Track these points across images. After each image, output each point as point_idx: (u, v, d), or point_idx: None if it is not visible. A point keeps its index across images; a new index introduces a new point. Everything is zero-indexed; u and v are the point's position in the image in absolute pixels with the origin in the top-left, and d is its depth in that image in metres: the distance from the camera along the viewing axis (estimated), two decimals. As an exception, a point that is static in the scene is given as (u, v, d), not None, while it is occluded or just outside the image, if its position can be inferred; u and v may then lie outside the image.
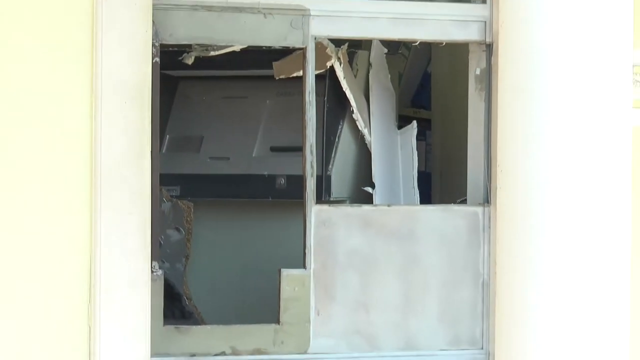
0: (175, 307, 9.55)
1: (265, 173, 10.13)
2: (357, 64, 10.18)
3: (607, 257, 8.15)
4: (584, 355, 8.18)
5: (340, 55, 9.82)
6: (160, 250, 9.16)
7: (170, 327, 9.04)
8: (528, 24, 8.16)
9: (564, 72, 8.08)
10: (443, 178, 10.30)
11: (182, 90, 9.79)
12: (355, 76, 10.12)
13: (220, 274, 10.18)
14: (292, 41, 9.25)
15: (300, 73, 9.36)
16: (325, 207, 9.39)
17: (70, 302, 8.62)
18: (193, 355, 9.08)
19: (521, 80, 8.20)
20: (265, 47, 9.47)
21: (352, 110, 9.98)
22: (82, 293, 8.63)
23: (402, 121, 10.28)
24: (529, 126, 8.15)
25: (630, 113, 8.30)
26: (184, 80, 9.72)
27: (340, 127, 10.17)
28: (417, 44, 9.86)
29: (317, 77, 9.43)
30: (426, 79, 10.61)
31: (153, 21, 8.82)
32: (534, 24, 8.12)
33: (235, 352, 9.16)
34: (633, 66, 8.68)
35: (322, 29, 9.26)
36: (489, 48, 9.37)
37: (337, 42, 9.78)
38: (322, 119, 9.92)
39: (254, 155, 10.26)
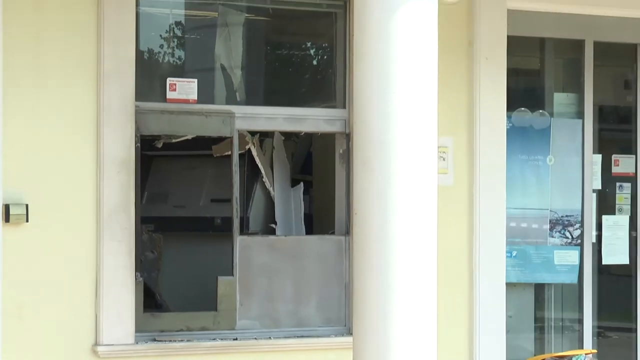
0: (151, 301, 9.38)
1: (208, 215, 10.12)
2: (265, 147, 10.05)
3: (418, 270, 7.93)
4: (407, 327, 7.85)
5: (254, 141, 9.83)
6: (141, 265, 9.08)
7: (148, 314, 9.09)
8: (368, 122, 7.85)
9: (392, 151, 7.86)
10: (320, 218, 10.24)
11: (155, 164, 9.70)
12: (264, 154, 10.03)
13: (180, 279, 10.05)
14: (224, 132, 9.33)
15: (229, 152, 9.39)
16: (245, 237, 9.47)
17: (84, 297, 8.77)
18: (162, 331, 9.08)
19: (365, 157, 7.89)
20: (207, 136, 9.51)
21: (262, 175, 9.93)
22: (91, 291, 8.78)
23: (294, 182, 10.18)
24: (370, 186, 7.87)
25: (436, 176, 7.95)
26: (156, 157, 9.66)
27: (255, 186, 10.06)
28: (302, 134, 9.96)
29: (240, 155, 9.50)
30: (309, 155, 10.63)
31: (135, 120, 8.88)
32: (372, 122, 7.82)
33: (189, 329, 9.16)
34: (438, 147, 9.00)
35: (243, 124, 9.33)
36: (347, 136, 9.39)
37: (253, 133, 9.77)
38: (243, 181, 9.78)
39: (200, 204, 10.24)
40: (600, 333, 10.78)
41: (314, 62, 10.08)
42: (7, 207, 8.53)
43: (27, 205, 8.59)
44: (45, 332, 8.69)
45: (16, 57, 8.58)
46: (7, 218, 8.54)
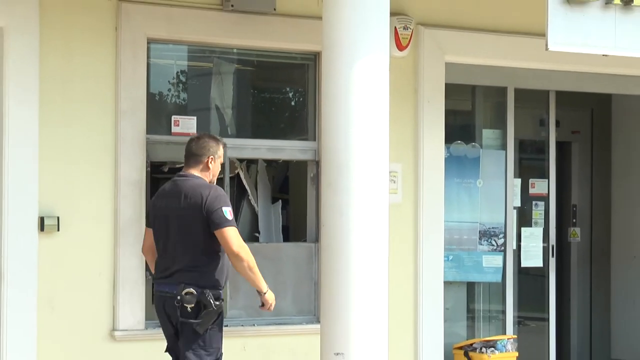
0: None
1: None
2: (251, 171, 9.90)
3: (373, 271, 7.97)
4: (364, 316, 7.93)
5: (242, 167, 9.69)
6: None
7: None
8: (332, 151, 7.90)
9: (352, 175, 7.93)
10: (295, 228, 10.08)
11: (162, 185, 9.59)
12: (250, 177, 9.88)
13: None
14: None
15: (222, 176, 8.96)
16: None
17: (103, 292, 8.76)
18: None
19: (330, 180, 7.91)
20: None
21: (249, 194, 9.78)
22: (109, 287, 8.77)
23: (274, 200, 9.99)
24: (334, 203, 7.92)
25: (387, 195, 8.07)
26: (163, 179, 9.10)
27: (242, 202, 9.80)
28: (281, 161, 9.91)
29: (231, 178, 9.46)
30: (286, 178, 10.51)
31: (146, 150, 8.87)
32: (336, 151, 7.88)
33: None
34: (389, 172, 8.42)
35: (233, 153, 9.31)
36: (317, 163, 9.35)
37: (241, 160, 9.63)
38: (233, 198, 9.54)
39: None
40: (520, 322, 10.86)
41: (291, 103, 10.09)
42: (42, 219, 8.52)
43: (58, 218, 8.60)
44: (72, 320, 8.68)
45: (49, 98, 8.57)
46: (42, 228, 8.53)
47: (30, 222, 8.49)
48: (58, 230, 8.59)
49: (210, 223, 7.11)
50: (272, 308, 7.54)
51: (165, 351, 7.41)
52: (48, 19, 8.50)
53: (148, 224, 7.58)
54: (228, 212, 7.12)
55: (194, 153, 7.35)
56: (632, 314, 11.38)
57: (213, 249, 7.19)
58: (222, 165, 9.08)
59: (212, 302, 7.07)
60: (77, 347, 8.67)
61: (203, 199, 7.11)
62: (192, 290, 7.02)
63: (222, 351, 7.34)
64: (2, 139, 8.40)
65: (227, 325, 8.93)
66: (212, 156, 7.38)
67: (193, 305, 7.01)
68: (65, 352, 8.62)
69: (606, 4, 8.88)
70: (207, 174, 7.38)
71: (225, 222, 7.08)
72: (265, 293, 7.41)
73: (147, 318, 8.91)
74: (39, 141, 8.49)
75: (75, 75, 8.67)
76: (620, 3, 8.91)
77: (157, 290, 7.34)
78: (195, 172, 7.33)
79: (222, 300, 7.23)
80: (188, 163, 7.37)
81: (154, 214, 7.42)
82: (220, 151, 7.47)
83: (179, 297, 6.99)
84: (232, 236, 7.10)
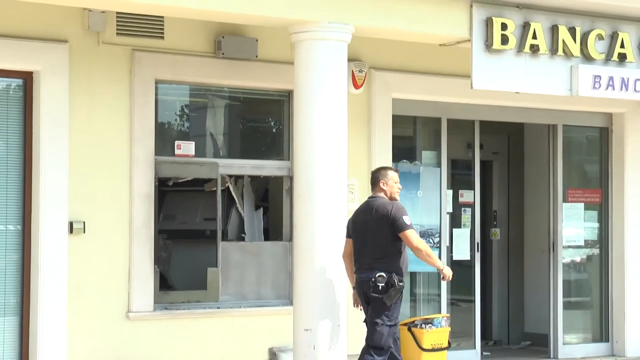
0: (164, 284, 9.14)
1: (201, 229, 9.78)
2: (238, 185, 9.71)
3: (333, 263, 8.03)
4: (326, 299, 7.98)
5: (231, 181, 9.59)
6: (158, 260, 8.90)
7: (162, 292, 8.96)
8: (302, 169, 8.00)
9: (316, 188, 8.03)
10: (273, 230, 9.79)
11: (168, 196, 9.48)
12: (237, 189, 9.71)
13: (183, 270, 9.64)
14: (212, 176, 9.23)
15: (215, 188, 9.25)
16: (225, 242, 9.31)
17: (120, 281, 8.69)
18: (171, 303, 8.98)
19: (300, 192, 8.10)
20: (201, 178, 9.33)
21: (236, 203, 9.66)
22: (125, 277, 8.70)
23: (257, 207, 9.83)
24: (303, 210, 8.03)
25: (346, 204, 8.22)
26: (168, 192, 9.44)
27: (231, 210, 9.70)
28: (262, 176, 9.67)
29: (222, 190, 9.34)
30: (266, 190, 10.19)
31: (155, 168, 8.79)
32: (304, 169, 7.98)
33: (188, 301, 9.04)
34: (348, 185, 8.53)
35: (224, 170, 9.26)
36: (290, 178, 9.17)
37: (230, 176, 9.51)
38: (224, 206, 9.46)
39: (196, 221, 9.98)
40: (452, 303, 10.73)
41: (270, 131, 10.01)
42: (71, 224, 8.48)
43: (84, 222, 8.55)
44: (95, 304, 8.63)
45: (77, 128, 8.54)
46: (71, 230, 8.48)
47: (61, 226, 8.44)
48: (84, 232, 8.55)
49: (394, 228, 7.73)
50: (449, 278, 8.06)
51: (364, 322, 7.97)
52: (76, 64, 8.47)
53: (348, 236, 8.07)
54: (407, 219, 7.77)
55: (373, 179, 8.10)
56: (540, 296, 11.40)
57: (396, 246, 7.79)
58: (215, 180, 9.15)
59: (397, 283, 7.68)
60: (99, 325, 8.62)
61: (388, 212, 7.77)
62: (382, 274, 7.67)
63: (398, 320, 7.97)
64: (39, 161, 8.37)
65: (219, 308, 9.13)
66: (382, 180, 7.98)
67: (383, 284, 7.64)
68: (89, 329, 8.58)
69: (518, 52, 9.03)
70: (384, 193, 7.98)
71: (406, 227, 7.74)
72: (442, 269, 7.97)
73: (155, 302, 8.86)
74: (68, 162, 8.46)
75: (98, 109, 8.65)
76: (529, 51, 9.04)
77: (358, 278, 7.90)
78: (378, 193, 7.99)
79: (403, 283, 7.78)
80: (373, 188, 8.06)
81: (353, 227, 8.01)
82: (389, 175, 8.04)
83: (373, 279, 7.65)
84: (411, 236, 7.76)
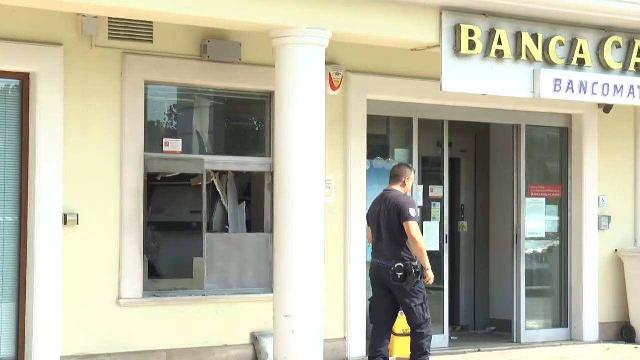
0: (153, 272, 9.12)
1: (188, 221, 9.71)
2: (223, 180, 9.68)
3: (312, 253, 8.04)
4: (305, 287, 7.97)
5: (216, 177, 9.57)
6: (147, 251, 8.88)
7: (150, 280, 8.94)
8: (282, 165, 7.96)
9: (296, 183, 8.00)
10: (256, 222, 9.73)
11: (157, 190, 9.46)
12: (222, 184, 9.68)
13: (170, 259, 9.58)
14: (198, 171, 9.23)
15: (201, 183, 9.26)
16: (210, 234, 9.30)
17: (112, 270, 8.64)
18: (159, 290, 8.96)
19: (280, 187, 7.93)
20: (187, 173, 9.35)
21: (221, 197, 9.62)
22: (116, 266, 8.68)
23: (240, 201, 9.78)
24: (284, 204, 7.99)
25: (324, 198, 8.16)
26: (157, 186, 9.45)
27: (216, 203, 9.65)
28: (245, 172, 9.63)
29: (207, 185, 9.35)
30: (249, 185, 10.10)
31: (144, 164, 8.76)
32: (284, 165, 7.93)
33: (175, 289, 9.05)
34: (325, 180, 8.53)
35: (209, 166, 9.25)
36: (271, 174, 9.20)
37: (215, 171, 9.51)
38: (209, 200, 9.43)
39: (183, 214, 9.90)
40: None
41: (253, 129, 9.99)
42: (65, 216, 8.46)
43: (77, 214, 8.54)
44: (89, 291, 8.62)
45: (71, 126, 8.52)
46: (65, 222, 8.46)
47: (56, 218, 8.41)
48: (77, 224, 8.53)
49: (401, 217, 8.02)
50: (430, 282, 8.20)
51: (369, 299, 8.37)
52: (70, 66, 8.46)
53: (369, 224, 8.49)
54: (412, 211, 8.03)
55: (396, 174, 8.35)
56: (505, 285, 11.42)
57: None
58: (201, 176, 9.13)
59: (413, 271, 7.95)
60: (91, 311, 8.62)
61: (400, 203, 8.08)
62: (400, 264, 7.95)
63: (426, 294, 8.23)
64: (36, 157, 8.34)
65: (204, 295, 9.12)
66: (405, 178, 8.31)
67: (402, 273, 7.95)
68: (82, 315, 8.58)
69: (484, 56, 9.07)
70: (403, 189, 8.30)
71: (410, 218, 8.00)
72: (428, 270, 8.09)
73: (144, 289, 8.85)
74: (63, 158, 8.45)
75: (91, 109, 8.63)
76: (495, 56, 9.10)
77: (373, 262, 8.26)
78: (396, 187, 8.29)
79: (419, 269, 8.00)
80: (392, 181, 8.36)
81: (370, 217, 8.39)
82: (412, 176, 8.42)
83: (392, 268, 7.95)
84: (411, 227, 7.99)
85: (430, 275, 8.13)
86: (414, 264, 8.00)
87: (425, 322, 8.10)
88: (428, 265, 8.08)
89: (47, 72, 8.29)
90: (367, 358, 8.37)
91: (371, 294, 8.56)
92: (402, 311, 9.57)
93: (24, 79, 8.30)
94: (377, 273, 8.22)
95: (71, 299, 8.48)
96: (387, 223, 8.13)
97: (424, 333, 8.08)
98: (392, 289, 8.13)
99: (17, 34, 8.15)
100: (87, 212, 8.56)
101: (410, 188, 8.43)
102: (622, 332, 11.26)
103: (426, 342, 8.09)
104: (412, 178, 8.42)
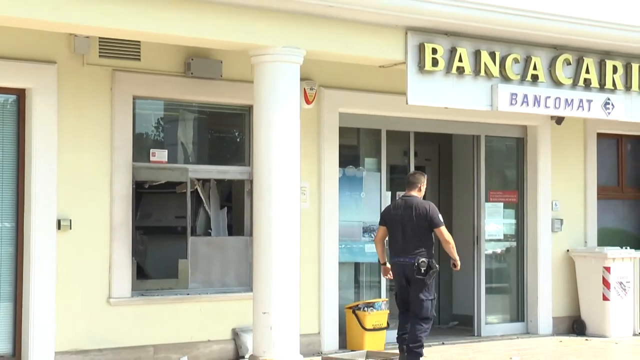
0: (140, 273, 9.02)
1: (174, 225, 9.52)
2: (206, 187, 9.54)
3: (288, 255, 8.05)
4: (283, 286, 8.00)
5: (199, 184, 9.49)
6: (135, 253, 8.84)
7: (139, 280, 8.90)
8: (260, 173, 7.97)
9: (273, 190, 8.02)
10: (236, 226, 9.66)
11: (144, 197, 9.23)
12: (205, 191, 9.57)
13: (157, 261, 9.39)
14: (182, 179, 9.20)
15: (185, 190, 9.19)
16: (194, 237, 9.26)
17: (102, 271, 8.62)
18: (147, 289, 8.93)
19: (259, 193, 8.09)
20: (173, 181, 9.27)
21: (204, 203, 9.53)
22: (106, 267, 8.66)
23: (222, 206, 9.69)
24: (262, 209, 8.00)
25: (299, 203, 8.21)
26: (144, 193, 9.24)
27: (200, 209, 9.54)
28: (227, 180, 9.60)
29: (191, 192, 9.27)
30: (230, 192, 9.97)
31: (132, 173, 8.75)
32: (262, 173, 7.94)
33: (162, 288, 9.02)
34: (301, 187, 8.70)
35: (193, 174, 9.24)
36: (251, 182, 8.98)
37: (199, 179, 9.41)
38: (193, 206, 9.34)
39: (169, 219, 9.68)
40: (390, 289, 10.63)
41: (234, 140, 9.96)
42: (59, 221, 8.45)
43: (70, 220, 8.52)
44: (81, 291, 8.59)
45: (64, 138, 8.50)
46: (59, 227, 8.45)
47: (50, 223, 8.40)
48: (70, 229, 8.51)
49: (431, 224, 8.44)
50: (458, 268, 8.79)
51: (395, 295, 8.79)
52: (63, 82, 8.45)
53: (383, 224, 8.75)
54: (440, 218, 8.50)
55: (412, 182, 8.66)
56: (466, 282, 11.43)
57: (431, 238, 8.53)
58: (186, 184, 9.15)
59: (435, 266, 8.42)
60: (83, 309, 8.59)
61: (427, 210, 8.46)
62: (424, 259, 8.37)
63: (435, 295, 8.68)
64: (31, 166, 8.33)
65: (188, 294, 9.10)
66: (420, 184, 8.66)
67: (425, 268, 8.36)
68: (75, 313, 8.54)
69: (447, 73, 9.14)
70: (420, 194, 8.66)
71: (440, 224, 8.47)
72: (458, 260, 8.66)
73: (133, 289, 8.83)
74: (57, 168, 8.43)
75: (83, 122, 8.62)
76: (456, 72, 9.17)
77: (396, 261, 8.57)
78: (414, 193, 8.61)
79: (438, 266, 8.51)
80: (409, 187, 8.68)
81: (389, 218, 8.65)
82: (425, 181, 8.76)
83: (416, 264, 8.35)
84: (444, 232, 8.48)
85: (459, 263, 8.70)
86: (434, 261, 8.47)
87: (429, 317, 8.43)
88: (457, 258, 8.65)
89: (42, 88, 8.29)
90: (397, 331, 8.70)
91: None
92: (371, 307, 9.68)
93: (20, 94, 8.31)
94: (402, 270, 8.51)
95: (64, 298, 8.46)
96: (414, 226, 8.46)
97: (424, 327, 8.39)
98: (411, 282, 8.44)
99: (14, 52, 8.16)
100: (79, 218, 8.53)
101: (424, 192, 8.73)
102: (574, 326, 11.28)
103: (423, 336, 8.41)
104: (425, 183, 8.74)
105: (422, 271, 8.38)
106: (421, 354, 8.42)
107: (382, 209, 10.65)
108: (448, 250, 8.58)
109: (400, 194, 11.10)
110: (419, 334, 8.36)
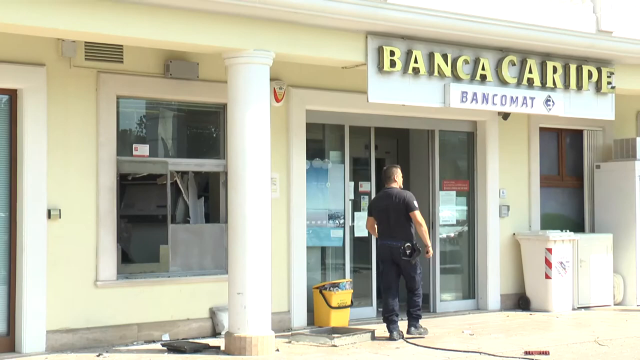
0: (125, 258, 8.94)
1: (155, 214, 9.33)
2: (184, 179, 9.39)
3: (259, 240, 8.01)
4: (255, 269, 7.94)
5: (178, 176, 9.35)
6: (120, 240, 8.77)
7: (123, 264, 8.86)
8: (234, 166, 7.86)
9: (246, 181, 7.93)
10: (213, 214, 9.41)
11: (128, 188, 9.07)
12: (184, 182, 9.43)
13: (140, 247, 9.27)
14: (163, 172, 9.11)
15: (165, 182, 9.13)
16: (174, 225, 9.19)
17: (89, 256, 8.61)
18: (131, 273, 8.88)
19: (233, 184, 8.00)
20: (154, 174, 9.15)
21: (183, 193, 9.40)
22: (93, 253, 8.62)
23: (199, 197, 9.58)
24: (236, 199, 7.98)
25: (270, 193, 8.15)
26: (128, 185, 9.08)
27: (179, 199, 9.33)
28: (203, 172, 9.39)
29: (171, 183, 9.22)
30: (207, 183, 9.75)
31: (117, 166, 8.70)
32: (236, 165, 7.89)
33: (144, 272, 8.96)
34: (271, 178, 8.67)
35: (173, 167, 9.15)
36: (225, 174, 8.92)
37: (178, 172, 9.29)
38: (173, 196, 9.26)
39: (151, 208, 9.45)
40: (354, 270, 10.72)
41: (210, 135, 9.92)
42: (49, 211, 8.41)
43: (60, 210, 8.49)
44: (70, 274, 8.54)
45: (53, 135, 8.46)
46: (49, 216, 8.41)
47: (41, 213, 8.36)
48: (60, 218, 8.47)
49: (407, 209, 8.90)
50: (430, 255, 9.27)
51: (380, 272, 9.20)
52: (52, 83, 8.42)
53: (370, 214, 9.25)
54: (415, 203, 8.96)
55: (388, 175, 9.13)
56: (423, 263, 11.14)
57: (411, 223, 8.96)
58: (166, 176, 9.05)
59: (418, 248, 8.90)
60: (73, 291, 8.55)
61: (405, 197, 8.95)
62: (408, 244, 8.89)
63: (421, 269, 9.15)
64: (23, 161, 8.28)
65: (169, 277, 9.09)
66: (395, 175, 9.10)
67: (410, 251, 8.87)
68: (65, 295, 8.51)
69: (403, 73, 9.20)
70: (397, 184, 9.10)
71: (414, 208, 8.93)
72: (429, 246, 9.13)
73: (118, 272, 8.79)
74: (47, 162, 8.38)
75: (70, 120, 8.58)
76: (412, 73, 9.23)
77: (384, 244, 9.05)
78: (393, 185, 9.09)
79: (420, 246, 8.92)
80: (387, 181, 9.14)
81: (376, 209, 9.14)
82: (398, 172, 9.17)
83: (402, 248, 8.87)
84: (417, 215, 8.94)
85: (431, 250, 9.18)
86: (417, 244, 8.87)
87: (420, 286, 9.03)
88: (429, 242, 9.10)
89: (32, 88, 8.25)
90: (383, 312, 9.14)
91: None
92: (337, 287, 9.75)
93: (12, 95, 8.26)
94: (389, 252, 8.95)
95: (55, 281, 8.44)
96: (395, 213, 8.89)
97: (418, 293, 9.00)
98: (399, 263, 8.92)
99: (6, 55, 8.13)
100: (68, 208, 8.50)
101: (401, 181, 9.08)
102: (520, 302, 11.34)
103: (420, 300, 9.03)
104: (399, 173, 9.10)
105: (408, 253, 8.85)
106: (420, 316, 9.09)
107: (346, 197, 10.78)
108: (421, 232, 8.94)
109: (362, 183, 11.18)
110: (416, 300, 8.99)
